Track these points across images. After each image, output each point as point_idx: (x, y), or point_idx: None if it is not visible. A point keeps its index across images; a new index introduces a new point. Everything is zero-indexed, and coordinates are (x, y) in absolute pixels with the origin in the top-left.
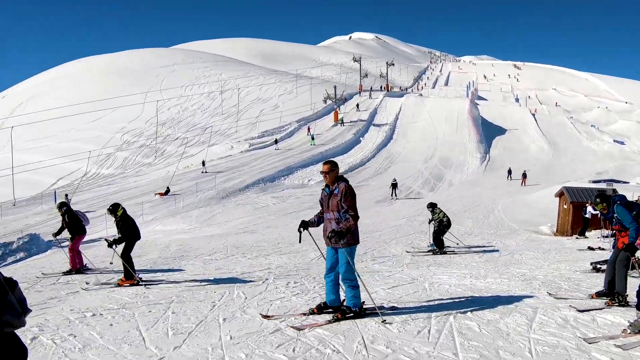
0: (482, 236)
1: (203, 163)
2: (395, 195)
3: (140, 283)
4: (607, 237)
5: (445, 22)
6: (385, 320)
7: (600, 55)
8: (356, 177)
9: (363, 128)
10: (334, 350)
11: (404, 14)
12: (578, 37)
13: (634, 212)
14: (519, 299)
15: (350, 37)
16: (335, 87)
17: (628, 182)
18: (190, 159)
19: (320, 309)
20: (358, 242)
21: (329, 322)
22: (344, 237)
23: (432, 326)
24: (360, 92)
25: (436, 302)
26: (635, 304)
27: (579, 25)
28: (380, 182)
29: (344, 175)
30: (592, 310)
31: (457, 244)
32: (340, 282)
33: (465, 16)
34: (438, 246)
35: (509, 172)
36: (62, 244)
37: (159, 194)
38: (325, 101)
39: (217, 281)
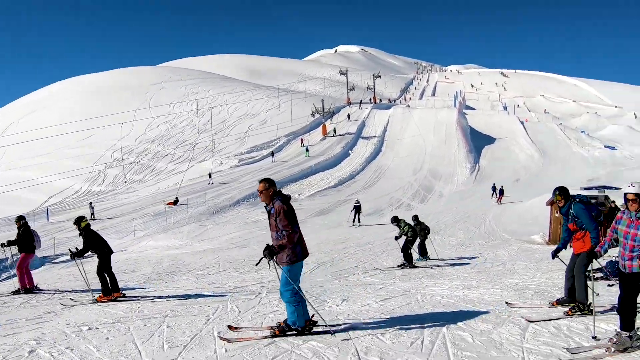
0: (473, 247)
1: (210, 175)
2: (359, 221)
3: (119, 299)
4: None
5: (431, 31)
6: (334, 333)
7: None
8: (346, 191)
9: (352, 141)
10: None
11: (389, 26)
12: (566, 43)
13: (593, 214)
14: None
15: (336, 51)
16: (322, 100)
17: (620, 189)
18: (179, 175)
19: (309, 324)
20: (300, 259)
21: (266, 337)
22: (276, 255)
23: (425, 337)
24: (350, 104)
25: (429, 314)
26: (616, 321)
27: (567, 30)
28: (368, 196)
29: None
30: (548, 320)
31: (432, 262)
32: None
33: (452, 25)
34: (407, 260)
35: (494, 189)
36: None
37: (169, 203)
38: (313, 115)
39: (210, 296)
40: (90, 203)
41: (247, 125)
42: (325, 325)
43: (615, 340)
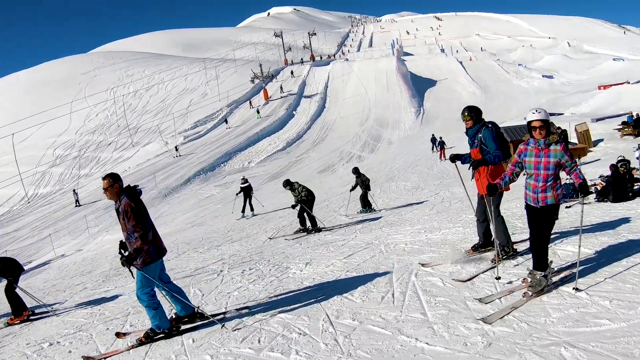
0: (428, 189)
1: (176, 148)
2: (252, 209)
3: (31, 317)
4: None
5: None
6: (224, 325)
7: None
8: (295, 151)
9: (295, 101)
10: (300, 333)
11: None
12: None
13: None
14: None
15: (269, 14)
16: (260, 65)
17: (562, 114)
18: (127, 162)
19: (178, 321)
20: (156, 259)
21: (133, 346)
22: (135, 260)
23: (395, 289)
24: (285, 66)
25: (395, 264)
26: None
27: None
28: (319, 153)
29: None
30: (479, 274)
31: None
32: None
33: None
34: (303, 225)
35: (433, 141)
36: None
37: None
38: (252, 81)
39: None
40: (74, 190)
41: (188, 100)
42: (211, 318)
43: (530, 281)
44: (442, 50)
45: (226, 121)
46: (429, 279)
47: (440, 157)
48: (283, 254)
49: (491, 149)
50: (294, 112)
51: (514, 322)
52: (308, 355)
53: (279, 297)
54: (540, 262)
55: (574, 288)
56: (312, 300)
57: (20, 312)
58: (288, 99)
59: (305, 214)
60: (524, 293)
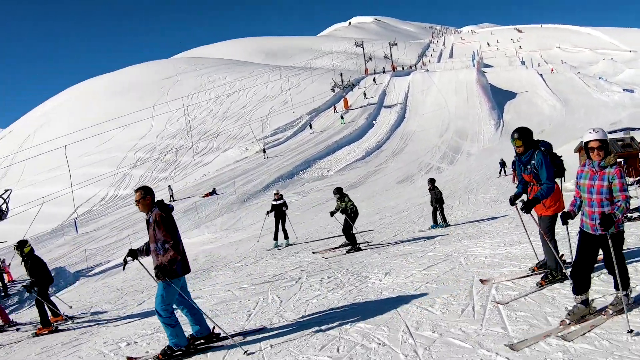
0: (507, 202)
1: (264, 150)
2: (285, 237)
3: (59, 328)
4: (633, 184)
5: None
6: (247, 351)
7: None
8: (374, 161)
9: (375, 111)
10: (380, 344)
11: None
12: None
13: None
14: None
15: (350, 23)
16: (341, 74)
17: None
18: (206, 167)
19: (194, 341)
20: (180, 275)
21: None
22: (168, 271)
23: (476, 302)
24: (366, 76)
25: (475, 277)
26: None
27: None
28: (398, 163)
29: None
30: (521, 297)
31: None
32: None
33: None
34: (350, 240)
35: (502, 164)
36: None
37: (206, 195)
38: (333, 90)
39: (249, 288)
40: (169, 186)
41: (268, 107)
42: (230, 339)
43: (570, 309)
44: (523, 63)
45: (310, 126)
46: (510, 293)
47: (514, 179)
48: (362, 264)
49: (542, 177)
50: (373, 121)
51: (595, 340)
52: None
53: (358, 307)
54: (580, 286)
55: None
56: (392, 310)
57: (48, 323)
58: (368, 108)
59: (348, 230)
60: (605, 311)
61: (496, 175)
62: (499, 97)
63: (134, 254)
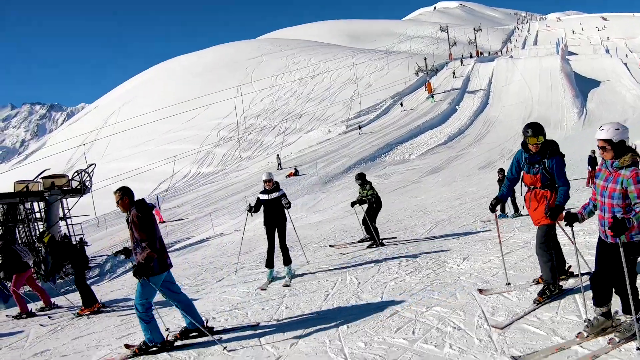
0: (588, 192)
1: (359, 127)
2: (378, 243)
3: (102, 310)
4: None
5: None
6: (226, 348)
7: None
8: (456, 146)
9: (458, 96)
10: (455, 327)
11: None
12: None
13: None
14: None
15: (435, 8)
16: (425, 59)
17: None
18: (289, 147)
19: (184, 334)
20: (157, 273)
21: (128, 357)
22: (146, 268)
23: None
24: (450, 61)
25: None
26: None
27: None
28: (480, 149)
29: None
30: (515, 320)
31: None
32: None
33: None
34: (369, 233)
35: (592, 162)
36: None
37: (290, 174)
38: (417, 74)
39: (328, 269)
40: (277, 155)
41: (352, 90)
42: (209, 335)
43: (590, 320)
44: (607, 51)
45: (402, 104)
46: (586, 282)
47: (588, 182)
48: (440, 248)
49: (559, 179)
50: (456, 106)
51: None
52: (461, 349)
53: (435, 291)
54: (601, 297)
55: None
56: (468, 295)
57: (91, 303)
58: (451, 93)
59: (368, 223)
60: (610, 339)
61: (579, 161)
62: (583, 86)
63: (127, 252)
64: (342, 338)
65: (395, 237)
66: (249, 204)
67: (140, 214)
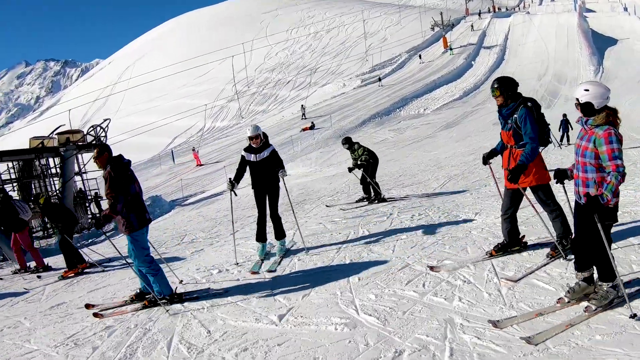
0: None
1: (379, 79)
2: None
3: (85, 270)
4: None
5: None
6: (168, 310)
7: None
8: (471, 101)
9: (474, 52)
10: (465, 281)
11: None
12: None
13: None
14: None
15: None
16: (441, 13)
17: None
18: (303, 101)
19: (141, 296)
20: (137, 229)
21: (137, 309)
22: (104, 225)
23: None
24: (467, 16)
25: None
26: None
27: None
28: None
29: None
30: (529, 274)
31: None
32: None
33: None
34: (367, 193)
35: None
36: None
37: (305, 128)
38: (432, 28)
39: (341, 222)
40: (302, 105)
41: (367, 44)
42: (160, 303)
43: (571, 286)
44: (625, 9)
45: (420, 56)
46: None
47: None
48: (453, 202)
49: (526, 134)
50: (472, 62)
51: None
52: (470, 303)
53: (447, 244)
54: (582, 261)
55: (631, 315)
56: (479, 250)
57: (74, 265)
58: (467, 48)
59: (368, 181)
60: (587, 307)
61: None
62: (599, 43)
63: (232, 184)
64: (353, 290)
65: (394, 198)
66: (230, 179)
67: (113, 172)
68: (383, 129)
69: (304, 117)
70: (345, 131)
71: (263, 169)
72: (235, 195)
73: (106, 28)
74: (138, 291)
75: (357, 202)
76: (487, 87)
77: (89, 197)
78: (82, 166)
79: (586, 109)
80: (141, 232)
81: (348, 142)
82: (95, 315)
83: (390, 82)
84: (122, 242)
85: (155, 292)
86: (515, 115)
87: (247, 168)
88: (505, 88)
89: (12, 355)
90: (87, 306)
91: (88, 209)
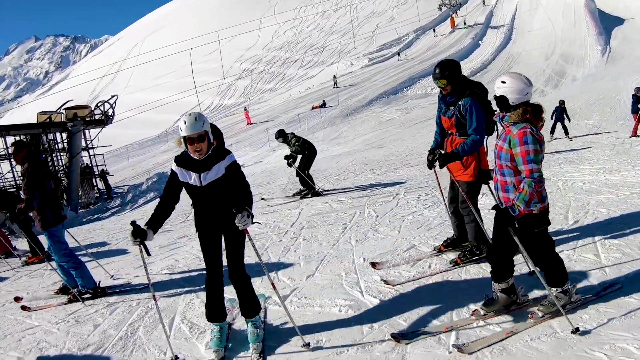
0: (611, 128)
1: (398, 53)
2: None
3: (49, 258)
4: None
5: None
6: (84, 302)
7: None
8: (479, 81)
9: (481, 31)
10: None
11: None
12: None
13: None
14: None
15: None
16: None
17: None
18: (311, 80)
19: (64, 290)
20: (54, 224)
21: (64, 303)
22: (17, 218)
23: (570, 226)
24: None
25: (572, 202)
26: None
27: None
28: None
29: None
30: (411, 281)
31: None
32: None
33: None
34: (304, 186)
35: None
36: None
37: (315, 106)
38: (440, 8)
39: (347, 202)
40: (334, 75)
41: (375, 23)
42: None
43: (489, 298)
44: None
45: (434, 30)
46: (605, 220)
47: (635, 132)
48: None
49: (470, 126)
50: (479, 41)
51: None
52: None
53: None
54: (499, 273)
55: (572, 331)
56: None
57: (36, 252)
58: (474, 28)
59: (302, 175)
60: (532, 314)
61: (601, 98)
62: (606, 23)
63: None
64: (358, 271)
65: (329, 191)
66: (135, 226)
67: (30, 168)
68: (390, 109)
69: (335, 86)
70: (352, 110)
71: (214, 196)
72: (148, 255)
73: (115, 4)
74: (61, 285)
75: (294, 195)
76: (494, 67)
77: (96, 173)
78: (89, 142)
79: (501, 103)
80: (58, 228)
81: (282, 136)
82: (24, 308)
83: (397, 61)
84: (126, 219)
85: (79, 286)
86: (460, 103)
87: (182, 196)
88: (451, 76)
89: (13, 331)
90: (16, 299)
91: (95, 184)
